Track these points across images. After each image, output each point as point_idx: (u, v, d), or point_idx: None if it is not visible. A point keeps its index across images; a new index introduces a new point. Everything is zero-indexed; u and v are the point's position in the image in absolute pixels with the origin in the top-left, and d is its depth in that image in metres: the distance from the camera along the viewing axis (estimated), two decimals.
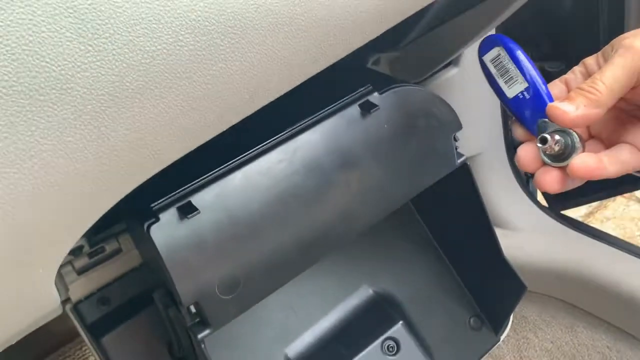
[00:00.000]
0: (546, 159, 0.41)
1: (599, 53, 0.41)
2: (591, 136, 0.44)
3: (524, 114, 0.43)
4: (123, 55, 0.27)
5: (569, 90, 0.42)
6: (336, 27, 0.35)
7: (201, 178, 0.47)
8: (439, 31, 0.65)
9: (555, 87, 0.43)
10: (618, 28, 0.88)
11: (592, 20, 0.89)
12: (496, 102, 0.95)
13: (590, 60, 0.41)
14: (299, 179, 0.49)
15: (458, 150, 0.59)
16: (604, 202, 1.54)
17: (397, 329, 0.64)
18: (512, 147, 1.01)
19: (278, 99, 0.37)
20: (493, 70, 0.44)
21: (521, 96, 0.43)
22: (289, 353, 0.63)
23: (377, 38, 0.39)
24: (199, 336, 0.47)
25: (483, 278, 0.69)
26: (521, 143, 0.43)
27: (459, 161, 0.59)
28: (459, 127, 0.57)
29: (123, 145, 0.30)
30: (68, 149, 0.28)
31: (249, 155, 0.48)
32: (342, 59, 0.38)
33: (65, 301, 0.55)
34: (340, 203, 0.52)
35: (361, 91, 0.53)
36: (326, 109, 0.52)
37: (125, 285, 0.58)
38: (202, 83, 0.31)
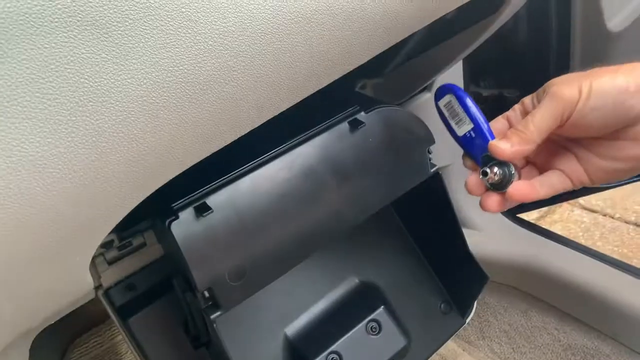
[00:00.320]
0: (489, 186, 0.41)
1: (534, 94, 0.41)
2: (528, 163, 0.44)
3: (471, 150, 0.43)
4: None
5: (510, 125, 0.42)
6: (334, 57, 0.35)
7: (215, 182, 0.47)
8: (415, 61, 0.66)
9: (499, 122, 0.43)
10: (564, 62, 0.88)
11: (542, 53, 0.90)
12: None
13: (527, 100, 0.42)
14: (297, 184, 0.49)
15: (431, 161, 0.59)
16: (552, 207, 1.55)
17: (379, 313, 0.64)
18: None
19: (280, 115, 0.37)
20: (446, 113, 0.45)
21: (468, 135, 0.43)
22: (287, 332, 0.63)
23: (364, 66, 0.39)
24: (212, 317, 0.47)
25: (452, 269, 0.69)
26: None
27: (432, 170, 0.59)
28: (432, 141, 0.58)
29: (150, 151, 0.29)
30: (103, 152, 0.27)
31: (255, 164, 0.48)
32: (335, 83, 0.38)
33: (97, 287, 0.55)
34: (332, 204, 0.52)
35: (350, 110, 0.53)
36: (320, 125, 0.52)
37: (149, 274, 0.58)
38: (219, 100, 0.31)
